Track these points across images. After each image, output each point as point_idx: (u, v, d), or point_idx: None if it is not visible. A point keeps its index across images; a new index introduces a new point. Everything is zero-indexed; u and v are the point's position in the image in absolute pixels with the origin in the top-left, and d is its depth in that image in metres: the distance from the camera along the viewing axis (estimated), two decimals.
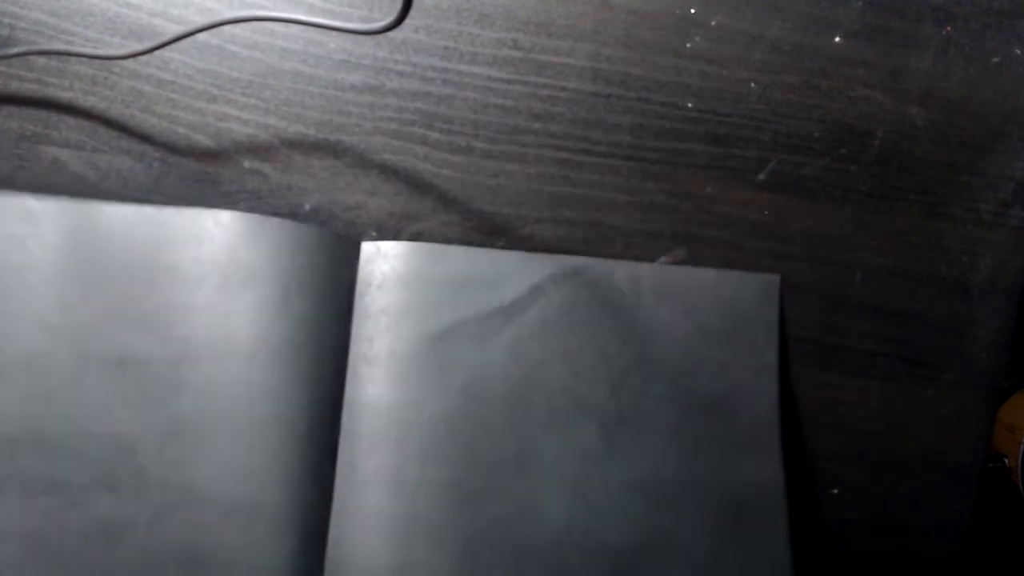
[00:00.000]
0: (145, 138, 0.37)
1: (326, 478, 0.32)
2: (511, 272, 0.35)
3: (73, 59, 0.36)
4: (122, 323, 0.31)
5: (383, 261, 0.35)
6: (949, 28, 0.38)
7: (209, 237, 0.33)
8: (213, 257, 0.33)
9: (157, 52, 0.34)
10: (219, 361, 0.31)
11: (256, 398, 0.31)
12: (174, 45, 0.34)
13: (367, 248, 0.35)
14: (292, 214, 0.37)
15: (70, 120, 0.37)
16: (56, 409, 0.30)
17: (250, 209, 0.37)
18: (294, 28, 0.36)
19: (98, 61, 0.36)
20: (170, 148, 0.37)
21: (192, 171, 0.37)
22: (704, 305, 0.36)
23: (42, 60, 0.36)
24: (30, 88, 0.36)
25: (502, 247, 0.38)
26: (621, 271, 0.36)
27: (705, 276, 0.37)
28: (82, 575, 0.29)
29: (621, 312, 0.36)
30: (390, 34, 0.36)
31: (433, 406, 0.33)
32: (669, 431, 0.35)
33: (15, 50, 0.35)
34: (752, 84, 0.38)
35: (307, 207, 0.37)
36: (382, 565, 0.32)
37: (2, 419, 0.30)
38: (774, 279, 0.37)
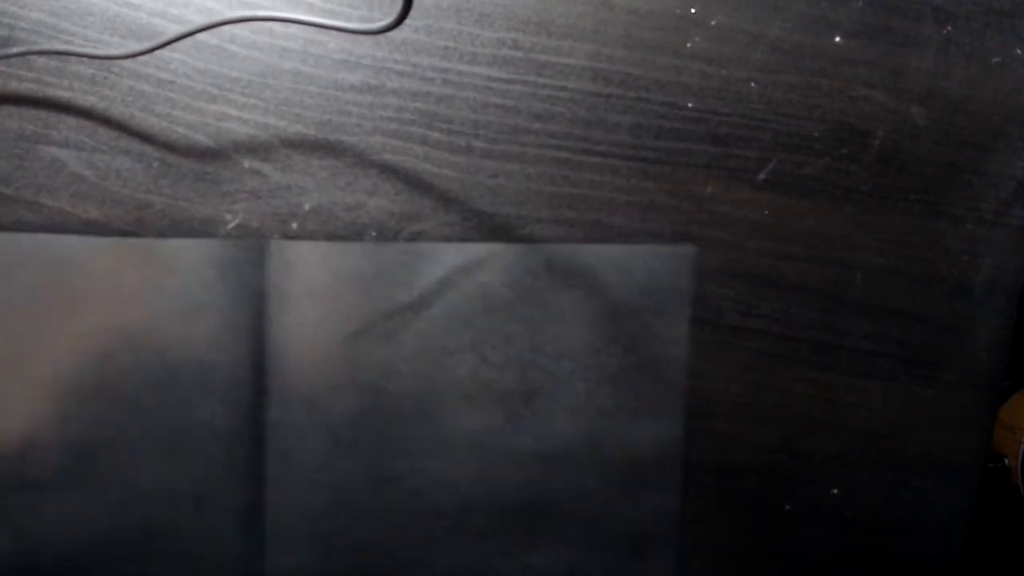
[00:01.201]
0: (145, 138, 0.37)
1: (259, 467, 0.37)
2: (419, 266, 0.37)
3: (72, 59, 0.36)
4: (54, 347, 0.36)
5: (292, 264, 0.36)
6: (950, 28, 0.38)
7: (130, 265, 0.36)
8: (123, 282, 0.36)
9: (157, 52, 0.34)
10: (145, 375, 0.36)
11: (180, 407, 0.36)
12: (174, 45, 0.34)
13: (276, 250, 0.36)
14: (292, 214, 0.37)
15: (69, 120, 0.37)
16: None
17: (250, 209, 0.37)
18: (294, 28, 0.36)
19: (97, 61, 0.36)
20: (170, 148, 0.37)
21: (192, 171, 0.37)
22: (616, 281, 0.37)
23: (41, 60, 0.36)
24: (29, 88, 0.36)
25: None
26: (532, 255, 0.37)
27: (618, 252, 0.37)
28: None
29: (532, 295, 0.37)
30: (390, 34, 0.36)
31: (348, 401, 0.37)
32: (576, 405, 0.37)
33: (15, 50, 0.35)
34: (752, 84, 0.38)
35: (307, 207, 0.37)
36: (314, 537, 0.37)
37: None
38: (689, 251, 0.38)
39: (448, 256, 0.37)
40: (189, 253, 0.36)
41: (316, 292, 0.36)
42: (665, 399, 0.38)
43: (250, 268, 0.36)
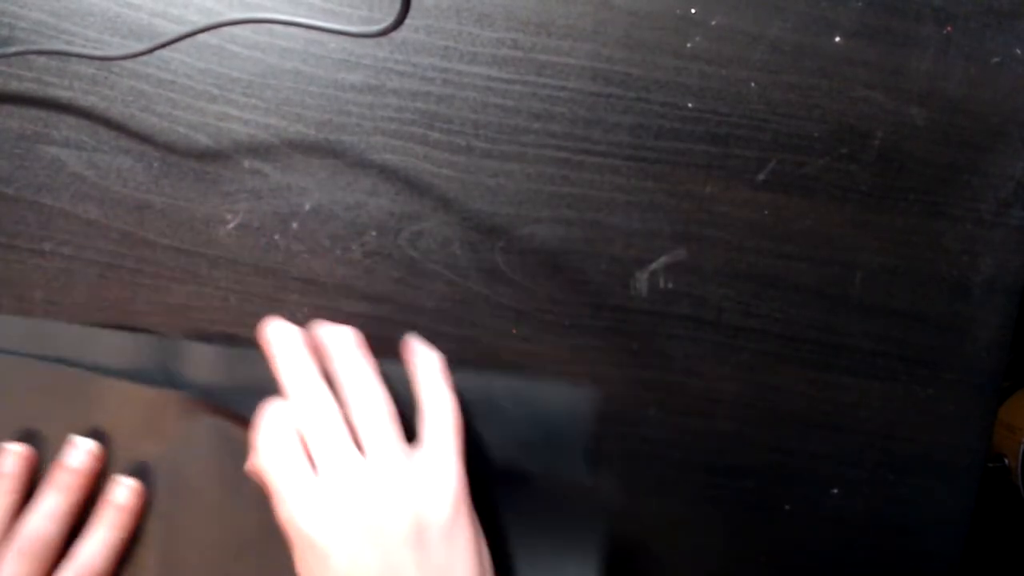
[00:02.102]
0: (145, 138, 0.37)
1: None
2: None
3: (73, 58, 0.36)
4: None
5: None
6: (949, 28, 0.38)
7: None
8: None
9: (157, 52, 0.34)
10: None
11: None
12: (174, 45, 0.34)
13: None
14: (292, 214, 0.37)
15: (70, 120, 0.37)
16: None
17: (250, 209, 0.37)
18: (294, 28, 0.36)
19: (98, 61, 0.36)
20: (170, 148, 0.37)
21: (192, 171, 0.37)
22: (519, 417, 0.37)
23: (42, 60, 0.36)
24: (30, 88, 0.36)
25: (501, 248, 0.38)
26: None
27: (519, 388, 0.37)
28: None
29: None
30: (390, 34, 0.36)
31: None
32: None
33: (14, 50, 0.35)
34: (752, 84, 0.38)
35: (307, 207, 0.37)
36: None
37: None
38: (588, 394, 0.38)
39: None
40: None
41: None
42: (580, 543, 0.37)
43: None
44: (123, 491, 0.36)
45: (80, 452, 0.35)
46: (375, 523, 0.31)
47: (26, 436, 0.36)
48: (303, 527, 0.31)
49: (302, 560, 0.31)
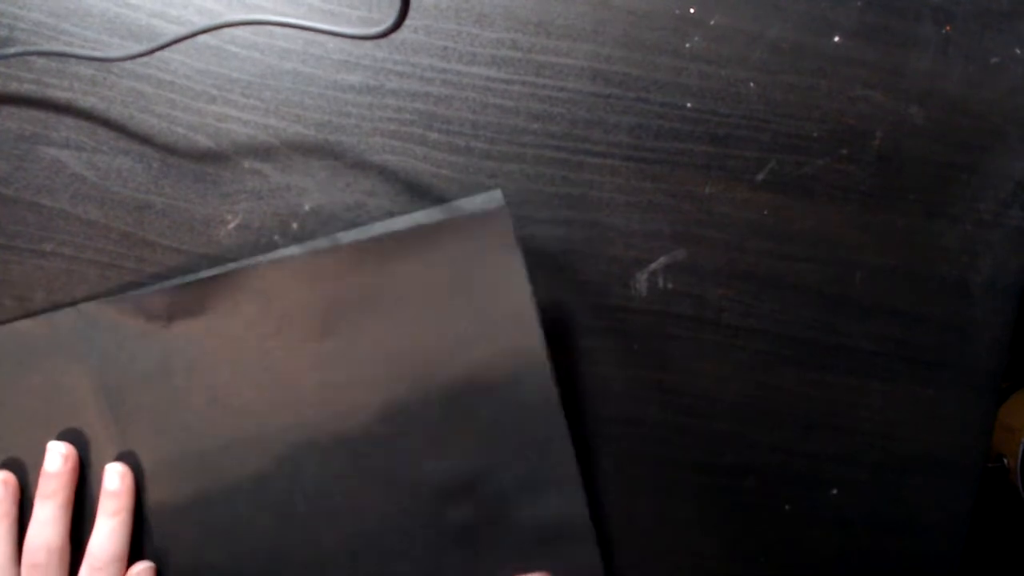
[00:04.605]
0: (145, 139, 0.37)
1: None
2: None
3: (73, 59, 0.36)
4: None
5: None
6: (949, 28, 0.38)
7: None
8: None
9: (156, 53, 0.34)
10: None
11: None
12: (174, 46, 0.34)
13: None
14: (292, 214, 0.37)
15: (70, 120, 0.37)
16: None
17: (250, 209, 0.37)
18: (293, 29, 0.36)
19: (97, 62, 0.36)
20: (170, 149, 0.37)
21: (192, 171, 0.37)
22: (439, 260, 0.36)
23: (41, 60, 0.36)
24: (29, 88, 0.36)
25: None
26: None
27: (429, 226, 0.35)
28: None
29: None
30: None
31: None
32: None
33: (14, 50, 0.35)
34: (752, 84, 0.38)
35: (307, 207, 0.37)
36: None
37: None
38: (493, 195, 0.35)
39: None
40: None
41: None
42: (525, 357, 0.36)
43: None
44: (112, 477, 0.36)
45: (55, 456, 0.36)
46: None
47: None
48: None
49: None
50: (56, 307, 0.37)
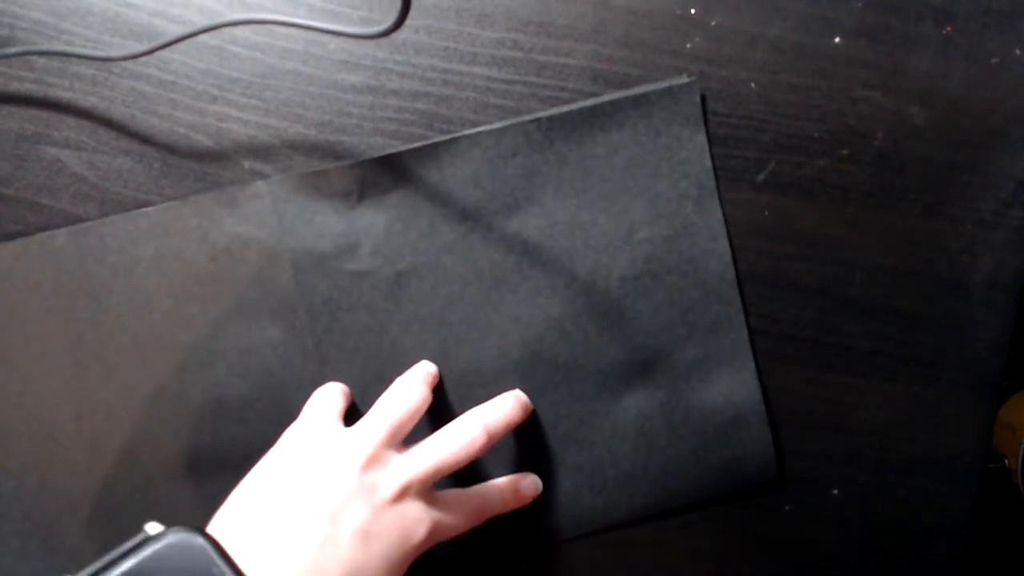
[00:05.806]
0: (145, 138, 0.37)
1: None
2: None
3: (73, 59, 0.36)
4: None
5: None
6: (949, 28, 0.38)
7: None
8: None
9: (157, 52, 0.34)
10: None
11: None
12: (174, 45, 0.34)
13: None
14: None
15: (70, 120, 0.37)
16: None
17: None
18: (294, 29, 0.36)
19: (98, 61, 0.36)
20: (170, 149, 0.37)
21: (192, 171, 0.37)
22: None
23: (42, 60, 0.36)
24: (30, 88, 0.36)
25: None
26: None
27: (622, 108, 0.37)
28: None
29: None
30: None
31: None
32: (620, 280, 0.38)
33: (15, 49, 0.35)
34: (752, 84, 0.38)
35: None
36: None
37: None
38: (690, 83, 0.37)
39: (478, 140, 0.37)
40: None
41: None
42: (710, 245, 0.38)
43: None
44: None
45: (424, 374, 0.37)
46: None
47: None
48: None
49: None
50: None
